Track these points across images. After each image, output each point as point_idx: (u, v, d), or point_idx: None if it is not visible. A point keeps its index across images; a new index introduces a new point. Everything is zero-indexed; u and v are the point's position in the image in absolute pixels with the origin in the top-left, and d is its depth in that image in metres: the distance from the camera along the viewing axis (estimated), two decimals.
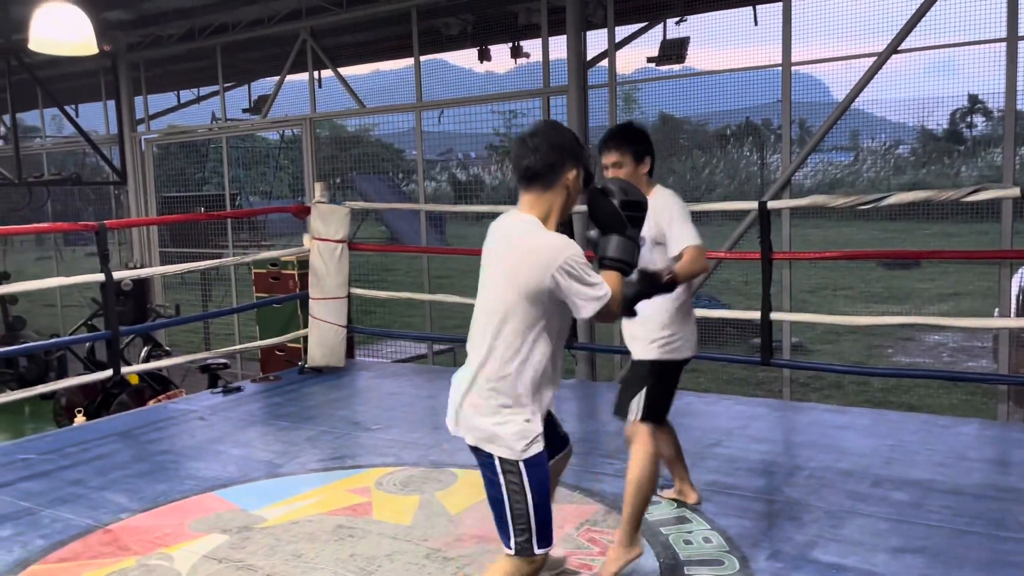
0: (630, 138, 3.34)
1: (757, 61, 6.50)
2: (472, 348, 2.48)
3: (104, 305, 5.91)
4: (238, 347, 7.56)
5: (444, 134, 8.62)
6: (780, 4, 6.15)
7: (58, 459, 4.69)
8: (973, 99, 6.68)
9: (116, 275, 5.63)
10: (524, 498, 2.33)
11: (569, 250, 2.32)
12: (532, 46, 7.86)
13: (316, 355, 6.60)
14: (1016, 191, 4.77)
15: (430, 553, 3.31)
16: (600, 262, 2.50)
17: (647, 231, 3.04)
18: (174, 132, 10.30)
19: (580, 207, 2.64)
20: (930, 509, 3.57)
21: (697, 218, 3.37)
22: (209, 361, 6.78)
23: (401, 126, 8.54)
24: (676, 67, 7.02)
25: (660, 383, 3.29)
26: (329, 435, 4.96)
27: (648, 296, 2.75)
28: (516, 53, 8.13)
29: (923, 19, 5.75)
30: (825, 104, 6.59)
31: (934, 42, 5.79)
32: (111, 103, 10.42)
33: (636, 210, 2.51)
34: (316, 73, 8.79)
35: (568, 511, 3.62)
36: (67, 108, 10.55)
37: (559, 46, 7.10)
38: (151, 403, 6.68)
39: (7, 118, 10.44)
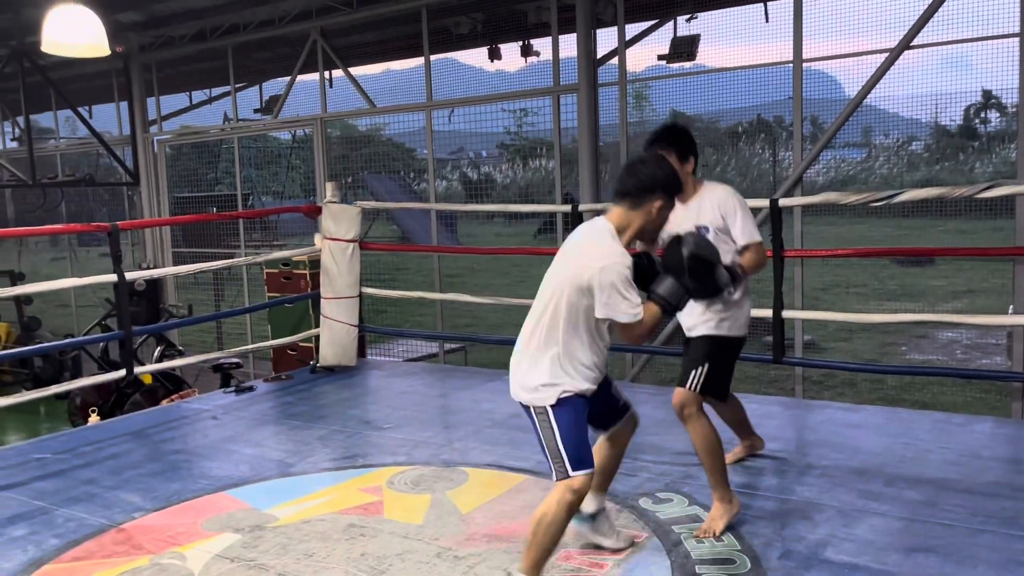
0: (675, 138, 3.45)
1: (768, 58, 6.47)
2: (528, 319, 2.91)
3: (117, 305, 5.95)
4: (250, 347, 7.59)
5: (455, 133, 8.63)
6: (791, 0, 6.12)
7: (72, 458, 4.72)
8: (987, 95, 6.62)
9: (129, 275, 5.66)
10: (553, 435, 2.78)
11: (615, 261, 2.70)
12: (542, 44, 7.87)
13: (328, 354, 6.61)
14: None
15: (441, 552, 3.31)
16: (648, 293, 2.87)
17: (710, 220, 3.40)
18: (186, 133, 10.35)
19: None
20: (944, 508, 3.55)
21: None
22: (222, 361, 6.81)
23: (412, 125, 8.55)
24: (687, 64, 7.00)
25: (718, 358, 3.50)
26: (341, 434, 4.98)
27: (721, 290, 3.12)
28: (526, 52, 8.13)
29: (936, 14, 5.71)
30: (837, 101, 6.55)
31: (947, 37, 5.75)
32: (124, 104, 10.48)
33: (700, 264, 2.88)
34: (327, 73, 8.82)
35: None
36: (80, 110, 10.63)
37: (569, 44, 7.10)
38: (164, 402, 6.73)
39: (21, 120, 10.53)
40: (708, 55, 6.95)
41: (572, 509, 2.79)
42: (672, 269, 2.87)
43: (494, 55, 8.25)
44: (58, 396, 6.81)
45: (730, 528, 3.38)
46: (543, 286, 2.88)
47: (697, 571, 3.08)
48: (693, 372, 3.45)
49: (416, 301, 7.34)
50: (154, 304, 8.26)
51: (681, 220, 3.36)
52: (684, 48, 6.92)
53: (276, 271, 7.29)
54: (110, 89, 10.78)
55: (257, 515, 3.77)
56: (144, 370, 6.45)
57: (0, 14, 8.37)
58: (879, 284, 11.50)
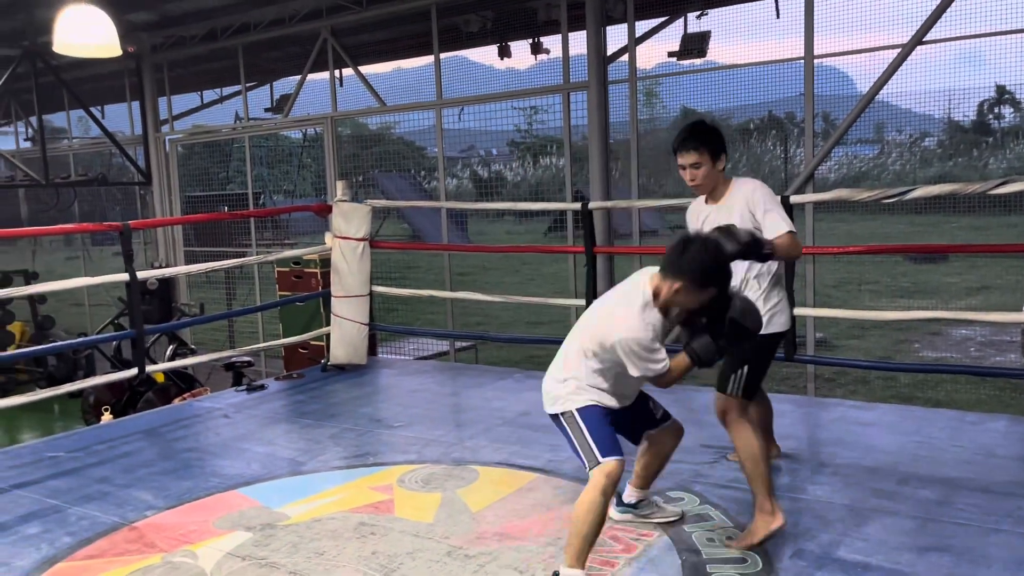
0: (707, 138, 3.41)
1: (779, 54, 6.43)
2: (564, 344, 3.09)
3: (130, 304, 5.98)
4: (262, 345, 7.61)
5: (465, 131, 8.63)
6: None
7: (85, 457, 4.75)
8: (1001, 90, 6.58)
9: (141, 274, 5.68)
10: (581, 431, 2.94)
11: (636, 335, 2.83)
12: (552, 42, 7.85)
13: (339, 353, 6.63)
14: None
15: (451, 551, 3.31)
16: (684, 344, 2.96)
17: (739, 219, 3.33)
18: (198, 132, 10.39)
19: None
20: (958, 507, 3.52)
21: None
22: (233, 359, 6.83)
23: (422, 124, 8.56)
24: (697, 61, 6.97)
25: (763, 359, 3.45)
26: (352, 432, 4.99)
27: (746, 256, 3.14)
28: (536, 49, 8.12)
29: (948, 9, 5.67)
30: (849, 97, 6.52)
31: (960, 32, 5.70)
32: (136, 104, 10.53)
33: (738, 331, 2.90)
34: (337, 72, 8.83)
35: None
36: (93, 109, 10.68)
37: (579, 42, 7.08)
38: (176, 401, 6.76)
39: (34, 120, 10.59)
40: (719, 52, 6.93)
41: (606, 494, 2.85)
42: (712, 328, 2.92)
43: (504, 53, 8.24)
44: (72, 394, 6.85)
45: (742, 528, 3.36)
46: (580, 321, 3.11)
47: (708, 570, 3.07)
48: (733, 376, 3.37)
49: (427, 299, 7.34)
50: (166, 303, 8.30)
51: (714, 219, 3.38)
52: (695, 45, 6.89)
53: (287, 270, 7.31)
54: (122, 89, 10.83)
55: (268, 513, 3.78)
56: (156, 369, 6.48)
57: (13, 15, 8.42)
58: (892, 281, 11.44)
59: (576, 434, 2.95)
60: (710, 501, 3.67)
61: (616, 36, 7.04)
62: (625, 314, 2.87)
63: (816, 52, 6.11)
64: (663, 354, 2.89)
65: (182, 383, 7.57)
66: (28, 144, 12.26)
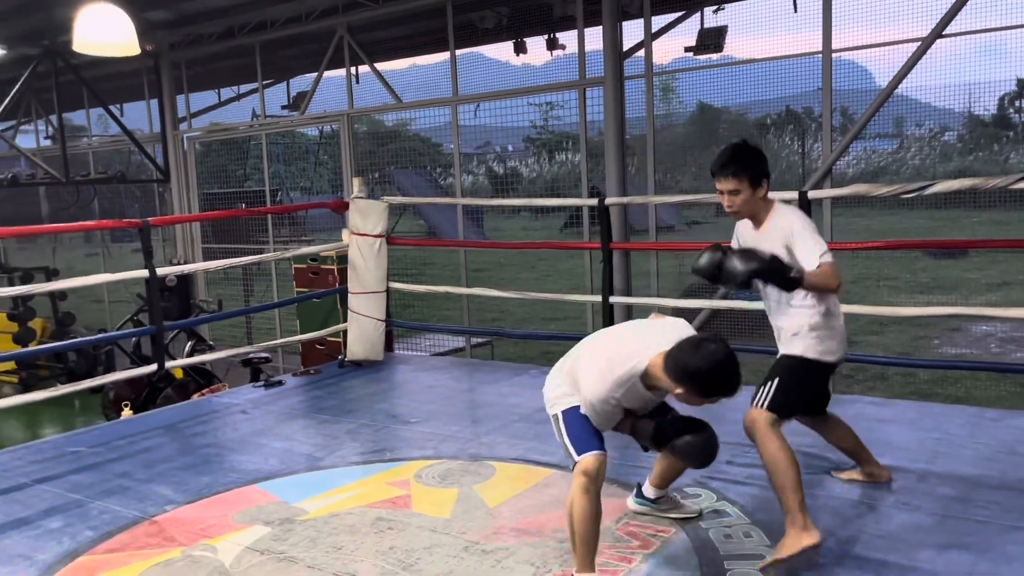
0: (748, 162, 3.23)
1: (797, 48, 6.39)
2: (569, 355, 3.15)
3: (149, 301, 6.03)
4: (279, 341, 7.66)
5: (481, 127, 8.64)
6: None
7: (106, 452, 4.80)
8: (1022, 83, 6.50)
9: (160, 271, 5.73)
10: (562, 433, 2.99)
11: (598, 396, 2.87)
12: (568, 38, 7.84)
13: (356, 349, 6.66)
14: None
15: (468, 546, 3.32)
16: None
17: (777, 249, 3.14)
18: (215, 129, 10.45)
19: None
20: (977, 504, 3.49)
21: None
22: (251, 355, 6.88)
23: (438, 120, 8.56)
24: (714, 56, 6.94)
25: (796, 378, 3.26)
26: (369, 428, 5.01)
27: (768, 278, 3.06)
28: (552, 45, 8.11)
29: (969, 1, 5.61)
30: (868, 91, 6.46)
31: (981, 25, 5.64)
32: (154, 102, 10.61)
33: (671, 446, 3.08)
34: (353, 69, 8.86)
35: (606, 505, 3.59)
36: (112, 108, 10.77)
37: (595, 37, 7.06)
38: (195, 397, 6.81)
39: (54, 118, 10.69)
40: (736, 46, 6.88)
41: (588, 491, 2.84)
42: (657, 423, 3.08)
43: (520, 49, 8.23)
44: (92, 390, 6.92)
45: (760, 525, 3.35)
46: (588, 340, 3.15)
47: (726, 567, 3.07)
48: (762, 388, 3.26)
49: (443, 296, 7.36)
50: (185, 299, 8.36)
51: (753, 246, 3.23)
52: (711, 40, 6.86)
53: (304, 266, 7.35)
54: (141, 87, 10.90)
55: (286, 508, 3.81)
56: (175, 364, 6.53)
57: (32, 14, 8.49)
58: (911, 276, 11.34)
59: (559, 436, 3.01)
60: (727, 497, 3.67)
61: (632, 31, 7.02)
62: (601, 377, 2.88)
63: (834, 46, 6.06)
64: (615, 417, 2.98)
65: (201, 379, 7.63)
66: (48, 142, 12.37)
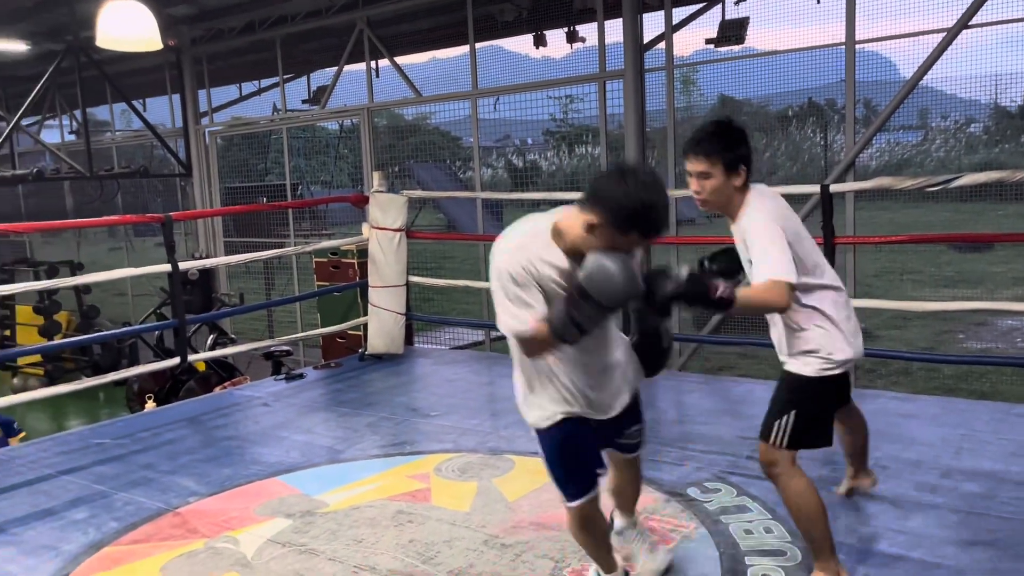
0: (723, 143, 2.73)
1: (820, 40, 6.32)
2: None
3: (171, 295, 6.08)
4: (300, 335, 7.69)
5: (500, 121, 8.62)
6: None
7: (130, 444, 4.85)
8: None
9: (182, 265, 5.78)
10: (544, 459, 2.61)
11: (504, 259, 2.26)
12: (588, 30, 7.79)
13: (376, 342, 6.68)
14: None
15: (488, 539, 3.33)
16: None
17: (742, 252, 2.81)
18: (236, 124, 10.51)
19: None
20: (1002, 501, 3.46)
21: None
22: (273, 348, 6.93)
23: (457, 114, 8.56)
24: (735, 48, 6.88)
25: (810, 403, 2.83)
26: (389, 421, 5.03)
27: (690, 303, 2.43)
28: (572, 38, 8.06)
29: None
30: (891, 82, 6.38)
31: (1007, 16, 5.55)
32: (176, 97, 10.68)
33: (585, 299, 2.17)
34: (373, 63, 8.87)
35: None
36: (135, 102, 10.85)
37: (615, 29, 7.02)
38: (217, 389, 6.87)
39: (78, 113, 10.79)
40: (757, 38, 6.82)
41: (580, 526, 2.64)
42: (579, 293, 2.19)
43: (539, 42, 8.20)
44: (116, 383, 7.01)
45: (781, 520, 3.33)
46: None
47: (747, 562, 3.05)
48: (777, 423, 2.82)
49: (462, 289, 7.37)
50: (207, 293, 8.43)
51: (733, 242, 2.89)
52: (732, 31, 6.80)
53: (325, 260, 7.38)
54: (163, 82, 10.99)
55: (307, 501, 3.84)
56: (198, 358, 6.59)
57: (56, 9, 8.58)
58: (935, 270, 11.21)
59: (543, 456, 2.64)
60: (748, 493, 3.65)
61: (652, 23, 6.98)
62: (502, 240, 2.30)
63: (858, 37, 5.99)
64: (526, 312, 2.25)
65: (223, 372, 7.69)
66: (72, 137, 12.50)
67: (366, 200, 6.86)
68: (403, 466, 4.25)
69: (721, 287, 2.40)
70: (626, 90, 6.94)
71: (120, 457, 4.62)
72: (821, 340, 2.79)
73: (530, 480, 3.92)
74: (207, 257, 9.20)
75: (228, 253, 9.92)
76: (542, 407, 2.53)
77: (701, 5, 7.19)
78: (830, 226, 5.12)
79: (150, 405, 6.94)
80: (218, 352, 7.05)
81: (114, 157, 12.07)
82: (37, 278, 10.28)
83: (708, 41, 6.91)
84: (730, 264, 2.93)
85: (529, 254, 2.25)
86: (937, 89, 6.59)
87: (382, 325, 6.67)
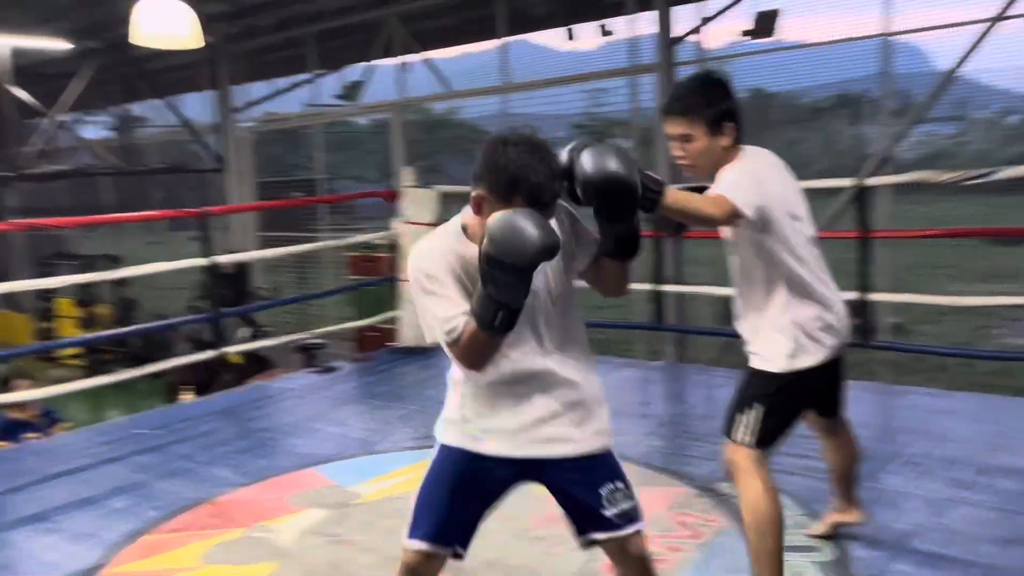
0: (703, 99, 2.42)
1: (854, 31, 6.25)
2: None
3: (207, 288, 6.18)
4: (333, 328, 7.77)
5: (530, 115, 8.63)
6: None
7: (167, 434, 4.95)
8: None
9: (217, 259, 5.87)
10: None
11: (417, 262, 2.00)
12: (618, 24, 7.77)
13: (408, 335, 6.73)
14: None
15: (520, 532, 3.35)
16: None
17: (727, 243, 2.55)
18: (270, 119, 10.63)
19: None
20: None
21: None
22: (306, 341, 7.00)
23: (488, 108, 8.59)
24: (767, 40, 6.83)
25: (779, 401, 2.53)
26: (421, 414, 5.07)
27: (621, 193, 1.91)
28: (603, 32, 8.05)
29: None
30: (927, 74, 6.30)
31: None
32: (210, 93, 10.82)
33: (491, 264, 1.81)
34: (404, 58, 8.91)
35: (657, 493, 3.61)
36: (171, 99, 11.02)
37: (646, 23, 7.00)
38: (252, 381, 6.97)
39: (116, 109, 10.98)
40: (790, 30, 6.76)
41: (402, 572, 2.18)
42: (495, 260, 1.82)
43: (570, 36, 8.20)
44: (153, 374, 7.14)
45: (813, 516, 3.32)
46: None
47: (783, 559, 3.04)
48: (741, 417, 2.55)
49: None
50: (242, 286, 8.54)
51: None
52: (764, 24, 6.74)
53: (357, 254, 7.45)
54: (198, 78, 11.14)
55: (342, 492, 3.89)
56: (233, 350, 6.69)
57: (95, 6, 8.73)
58: (971, 264, 11.04)
59: None
60: (779, 488, 3.62)
61: (684, 16, 6.94)
62: (419, 242, 2.07)
63: (893, 29, 5.92)
64: (454, 310, 1.94)
65: (257, 364, 7.80)
66: (110, 133, 12.72)
67: (397, 195, 6.91)
68: None
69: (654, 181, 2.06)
70: (658, 84, 6.92)
71: (158, 447, 4.71)
72: (806, 328, 2.48)
73: None
74: (241, 251, 9.32)
75: (261, 247, 10.04)
76: (443, 418, 2.20)
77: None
78: (865, 220, 5.07)
79: (187, 397, 7.06)
80: (253, 345, 7.14)
81: (150, 153, 12.26)
82: (80, 271, 10.48)
83: (746, 33, 6.85)
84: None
85: (442, 250, 2.00)
86: (973, 80, 6.49)
87: (413, 318, 6.72)
